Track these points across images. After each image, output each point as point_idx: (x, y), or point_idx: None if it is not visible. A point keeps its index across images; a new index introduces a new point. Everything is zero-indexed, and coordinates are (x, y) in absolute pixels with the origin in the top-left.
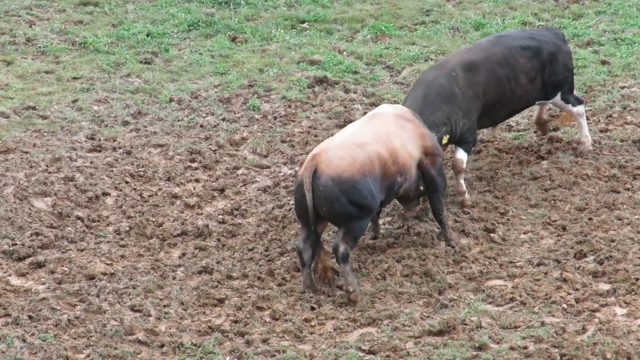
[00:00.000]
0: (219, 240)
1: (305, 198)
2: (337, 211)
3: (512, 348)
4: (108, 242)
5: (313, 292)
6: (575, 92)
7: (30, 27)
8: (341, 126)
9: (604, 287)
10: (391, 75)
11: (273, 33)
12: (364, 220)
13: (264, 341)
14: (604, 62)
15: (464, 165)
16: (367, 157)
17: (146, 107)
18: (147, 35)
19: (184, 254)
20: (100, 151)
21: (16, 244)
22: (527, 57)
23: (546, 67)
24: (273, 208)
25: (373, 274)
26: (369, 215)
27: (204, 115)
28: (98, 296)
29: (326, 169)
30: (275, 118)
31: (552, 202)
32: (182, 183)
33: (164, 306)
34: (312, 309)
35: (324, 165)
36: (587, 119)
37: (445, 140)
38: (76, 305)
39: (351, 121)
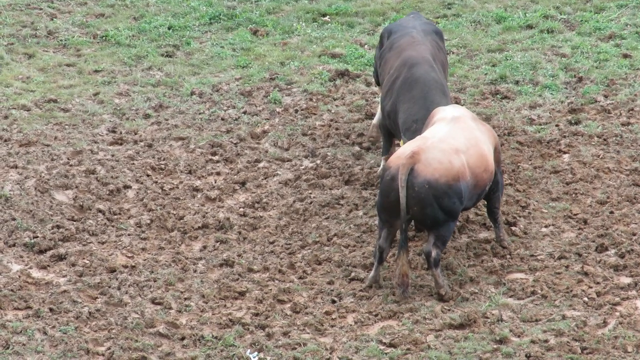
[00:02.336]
0: (240, 233)
1: (394, 193)
2: (427, 214)
3: (533, 341)
4: (129, 234)
5: (379, 287)
6: None
7: (52, 20)
8: (362, 120)
9: (625, 280)
10: None
11: (294, 26)
12: (452, 223)
13: (285, 334)
14: (625, 56)
15: None
16: (461, 164)
17: (167, 100)
18: (169, 28)
19: (204, 247)
20: (121, 144)
21: (37, 237)
22: (440, 40)
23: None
24: (294, 201)
25: (393, 267)
26: (456, 219)
27: (225, 108)
28: (119, 289)
29: (424, 170)
30: (296, 111)
31: (573, 195)
32: (203, 176)
33: (185, 299)
34: (333, 302)
35: (422, 166)
36: (609, 112)
37: None
38: (97, 297)
39: (372, 115)
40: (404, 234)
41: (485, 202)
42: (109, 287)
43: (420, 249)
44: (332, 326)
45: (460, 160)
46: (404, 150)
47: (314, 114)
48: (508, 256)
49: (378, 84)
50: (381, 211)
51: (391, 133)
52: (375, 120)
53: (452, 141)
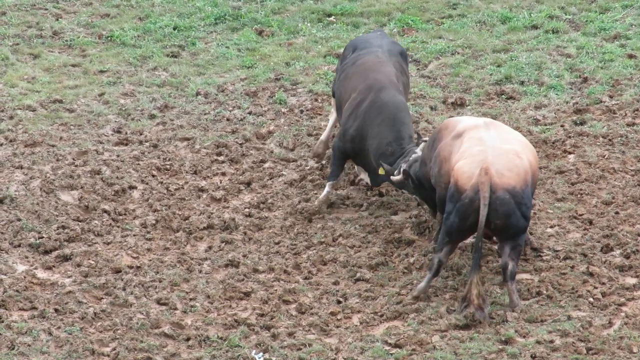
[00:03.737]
0: (245, 233)
1: (474, 214)
2: (512, 224)
3: (538, 342)
4: (134, 235)
5: (426, 299)
6: None
7: (57, 20)
8: None
9: (631, 281)
10: (418, 69)
11: (300, 26)
12: (525, 233)
13: (290, 335)
14: (630, 56)
15: None
16: (525, 166)
17: (173, 101)
18: (174, 29)
19: (210, 247)
20: (126, 144)
21: (43, 237)
22: (404, 62)
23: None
24: (299, 201)
25: (399, 267)
26: (528, 227)
27: (230, 108)
28: (124, 289)
29: (500, 182)
30: (301, 111)
31: (578, 196)
32: (208, 176)
33: (190, 299)
34: (338, 302)
35: (497, 179)
36: (614, 113)
37: None
38: (102, 298)
39: None
40: (479, 252)
41: None
42: (114, 287)
43: (425, 249)
44: (338, 327)
45: (523, 163)
46: (468, 169)
47: (319, 114)
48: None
49: (334, 95)
50: (455, 233)
51: (347, 157)
52: (323, 137)
53: (508, 146)
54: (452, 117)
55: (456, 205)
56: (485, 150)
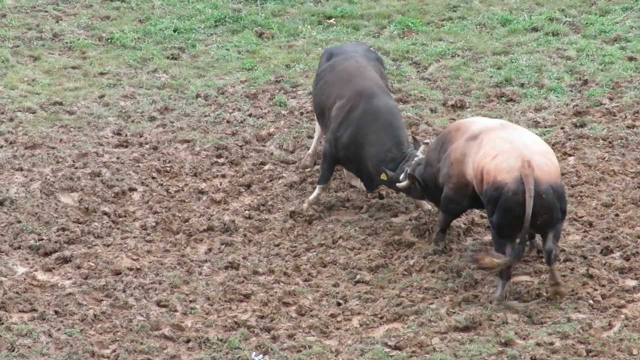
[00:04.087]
0: (245, 235)
1: (518, 206)
2: (554, 218)
3: (538, 344)
4: (134, 237)
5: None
6: None
7: (57, 22)
8: None
9: (631, 283)
10: (418, 72)
11: (300, 29)
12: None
13: (290, 337)
14: (631, 59)
15: None
16: (557, 163)
17: (173, 103)
18: (174, 31)
19: (210, 250)
20: (126, 147)
21: (42, 239)
22: (382, 67)
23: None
24: (299, 204)
25: (399, 269)
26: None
27: (230, 110)
28: (124, 291)
29: (543, 176)
30: (301, 114)
31: (578, 198)
32: (208, 179)
33: (190, 301)
34: (338, 304)
35: (539, 172)
36: (614, 115)
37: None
38: (102, 300)
39: None
40: (523, 245)
41: None
42: (114, 289)
43: (425, 251)
44: (338, 329)
45: (554, 160)
46: (507, 164)
47: None
48: None
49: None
50: (505, 228)
51: (337, 163)
52: (311, 150)
53: (536, 146)
54: (453, 119)
55: (498, 202)
56: (518, 147)
